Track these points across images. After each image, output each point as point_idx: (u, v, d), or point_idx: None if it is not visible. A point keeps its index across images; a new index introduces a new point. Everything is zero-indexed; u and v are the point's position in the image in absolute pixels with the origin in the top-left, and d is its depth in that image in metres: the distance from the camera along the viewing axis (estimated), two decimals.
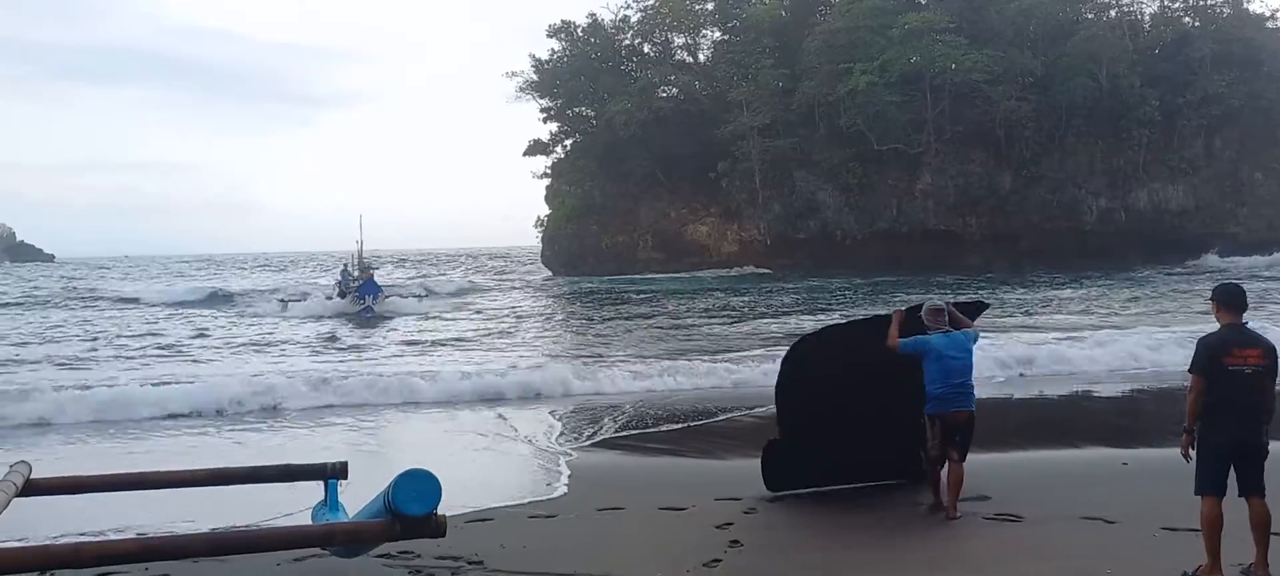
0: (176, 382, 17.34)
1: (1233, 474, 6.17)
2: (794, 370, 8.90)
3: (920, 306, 8.58)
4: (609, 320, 33.32)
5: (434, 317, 36.46)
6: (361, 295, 36.76)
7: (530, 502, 9.47)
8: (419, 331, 30.93)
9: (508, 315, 37.78)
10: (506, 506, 9.22)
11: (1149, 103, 63.78)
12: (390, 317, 35.63)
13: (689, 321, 31.71)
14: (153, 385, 16.87)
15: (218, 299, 47.31)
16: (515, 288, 58.12)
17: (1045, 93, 64.73)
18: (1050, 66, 65.28)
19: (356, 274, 41.26)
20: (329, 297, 41.18)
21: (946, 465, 8.16)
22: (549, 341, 28.47)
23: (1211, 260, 59.15)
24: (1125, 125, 64.79)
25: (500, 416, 14.83)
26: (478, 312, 38.96)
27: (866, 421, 8.62)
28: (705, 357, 20.44)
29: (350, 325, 33.22)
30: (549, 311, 40.53)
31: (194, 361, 23.70)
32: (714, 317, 32.56)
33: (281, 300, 43.24)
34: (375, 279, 39.28)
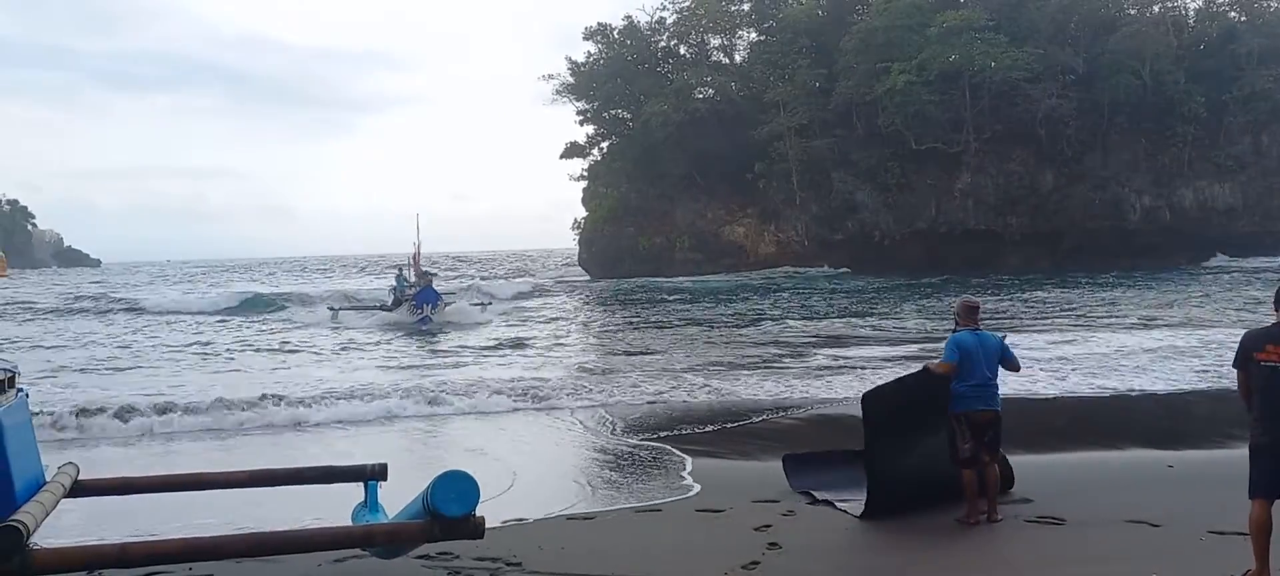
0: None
1: None
2: (871, 423, 8.55)
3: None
4: (681, 326, 31.21)
5: (506, 326, 33.38)
6: (419, 304, 32.97)
7: (568, 505, 9.49)
8: (494, 343, 27.68)
9: (578, 323, 35.54)
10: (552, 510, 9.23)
11: (1194, 99, 62.85)
12: (452, 329, 32.01)
13: (768, 328, 29.40)
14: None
15: (260, 305, 45.19)
16: (567, 292, 55.29)
17: (1087, 90, 63.97)
18: (1092, 63, 64.50)
19: (413, 279, 37.25)
20: (382, 306, 37.79)
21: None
22: (631, 352, 24.33)
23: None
24: (1170, 122, 63.88)
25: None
26: (548, 322, 35.79)
27: (939, 445, 8.41)
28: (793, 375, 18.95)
29: (409, 336, 30.07)
30: (622, 319, 35.74)
31: (246, 372, 21.99)
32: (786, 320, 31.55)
33: (331, 309, 39.30)
34: (434, 286, 35.10)
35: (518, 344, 27.32)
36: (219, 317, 40.12)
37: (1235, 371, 6.27)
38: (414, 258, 39.21)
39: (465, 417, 15.19)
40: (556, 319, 37.37)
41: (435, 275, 38.26)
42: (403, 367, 22.13)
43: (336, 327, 34.05)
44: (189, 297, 50.27)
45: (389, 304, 37.28)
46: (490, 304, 40.37)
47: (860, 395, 9.00)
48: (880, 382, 9.68)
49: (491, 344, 27.36)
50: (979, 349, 8.06)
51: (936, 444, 8.22)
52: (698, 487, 9.89)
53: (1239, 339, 6.29)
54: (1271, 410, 5.95)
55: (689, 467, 10.96)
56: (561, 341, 28.50)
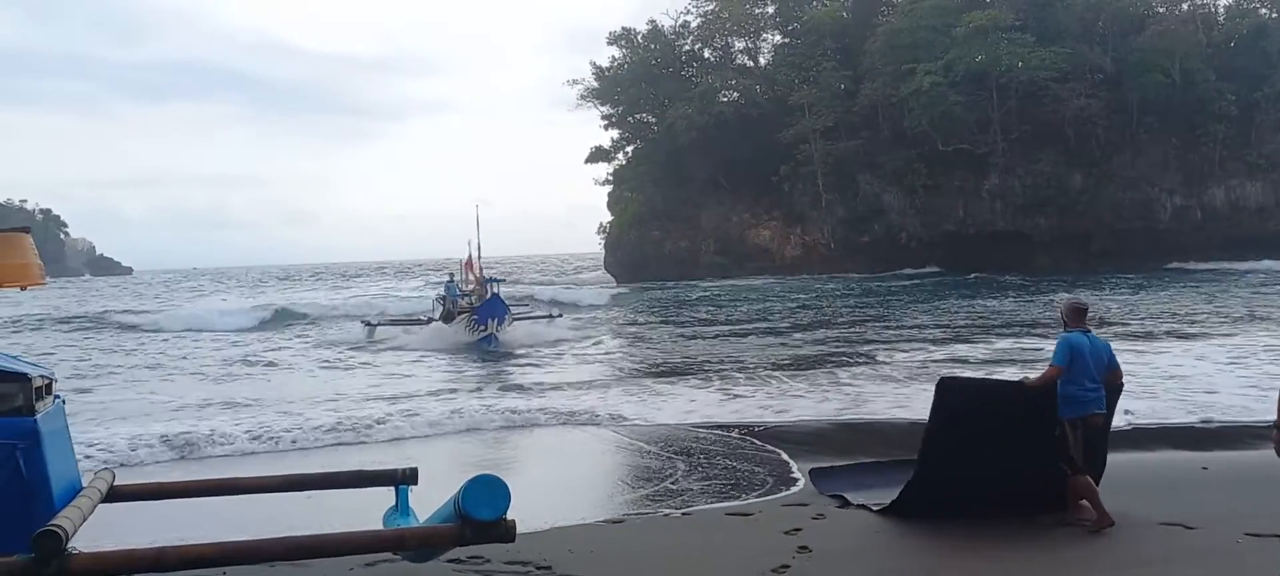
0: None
1: None
2: (943, 414, 8.14)
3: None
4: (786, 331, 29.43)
5: (586, 342, 28.81)
6: (482, 319, 27.23)
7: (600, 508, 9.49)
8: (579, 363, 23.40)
9: (676, 336, 30.22)
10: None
11: (1225, 97, 62.22)
12: (521, 348, 26.69)
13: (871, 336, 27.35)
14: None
15: (288, 319, 42.38)
16: (636, 299, 49.90)
17: (1116, 89, 63.47)
18: (1121, 62, 63.99)
19: (468, 288, 31.76)
20: (429, 319, 32.51)
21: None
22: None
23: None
24: (1200, 121, 63.28)
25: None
26: (632, 334, 31.17)
27: (1008, 462, 8.02)
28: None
29: (475, 359, 24.89)
30: (721, 329, 31.55)
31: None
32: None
33: (366, 323, 33.89)
34: (499, 294, 29.18)
35: (621, 371, 21.82)
36: (254, 335, 36.20)
37: None
38: (469, 261, 32.83)
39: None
40: (637, 328, 33.12)
41: (501, 281, 31.93)
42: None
43: (373, 346, 29.46)
44: (214, 313, 44.67)
45: (436, 316, 32.01)
46: (559, 316, 33.87)
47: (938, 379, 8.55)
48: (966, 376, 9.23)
49: (580, 376, 20.93)
50: (1091, 351, 7.78)
51: (1003, 459, 7.82)
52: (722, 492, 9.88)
53: None
54: None
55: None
56: (671, 361, 23.47)
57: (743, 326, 32.48)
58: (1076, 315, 7.95)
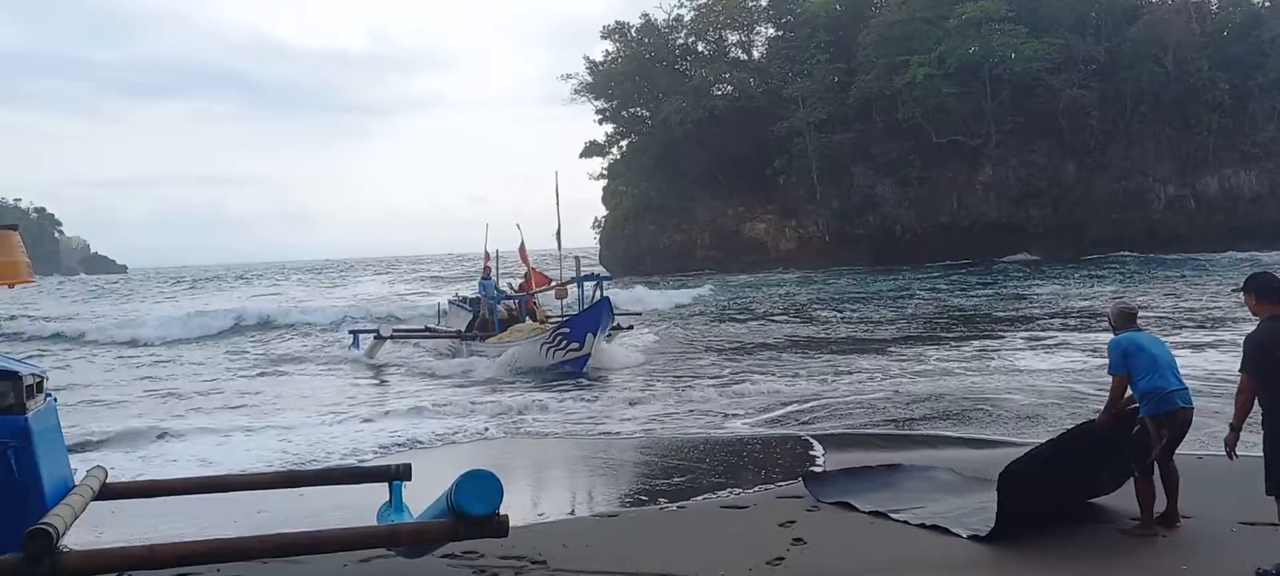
0: None
1: None
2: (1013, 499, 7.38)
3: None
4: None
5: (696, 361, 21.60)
6: (577, 334, 19.90)
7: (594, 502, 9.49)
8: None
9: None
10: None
11: (1218, 87, 62.33)
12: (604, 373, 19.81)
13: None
14: None
15: (259, 329, 35.30)
16: (713, 299, 42.18)
17: (1109, 80, 63.54)
18: (1114, 53, 64.08)
19: (513, 286, 25.05)
20: (463, 341, 23.58)
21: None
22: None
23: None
24: (1194, 110, 63.39)
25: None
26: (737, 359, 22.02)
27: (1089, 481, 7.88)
28: None
29: (568, 391, 17.47)
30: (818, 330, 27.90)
31: None
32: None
33: (356, 333, 25.83)
34: (606, 294, 21.80)
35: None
36: (195, 349, 30.31)
37: (1242, 374, 6.03)
38: (522, 250, 25.56)
39: None
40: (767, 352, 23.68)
41: (607, 278, 23.77)
42: None
43: (374, 370, 22.50)
44: (153, 321, 36.62)
45: (466, 329, 24.11)
46: (630, 327, 25.33)
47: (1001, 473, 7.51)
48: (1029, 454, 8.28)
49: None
50: (1155, 344, 7.35)
51: (1085, 482, 7.70)
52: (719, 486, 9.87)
53: (1243, 341, 6.10)
54: None
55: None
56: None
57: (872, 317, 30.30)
58: (1125, 319, 7.56)
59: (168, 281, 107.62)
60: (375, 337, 24.50)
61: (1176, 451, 7.31)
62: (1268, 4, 67.27)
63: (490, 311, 23.64)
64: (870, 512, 8.30)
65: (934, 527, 7.64)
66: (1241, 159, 64.12)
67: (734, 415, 14.24)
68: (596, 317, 20.36)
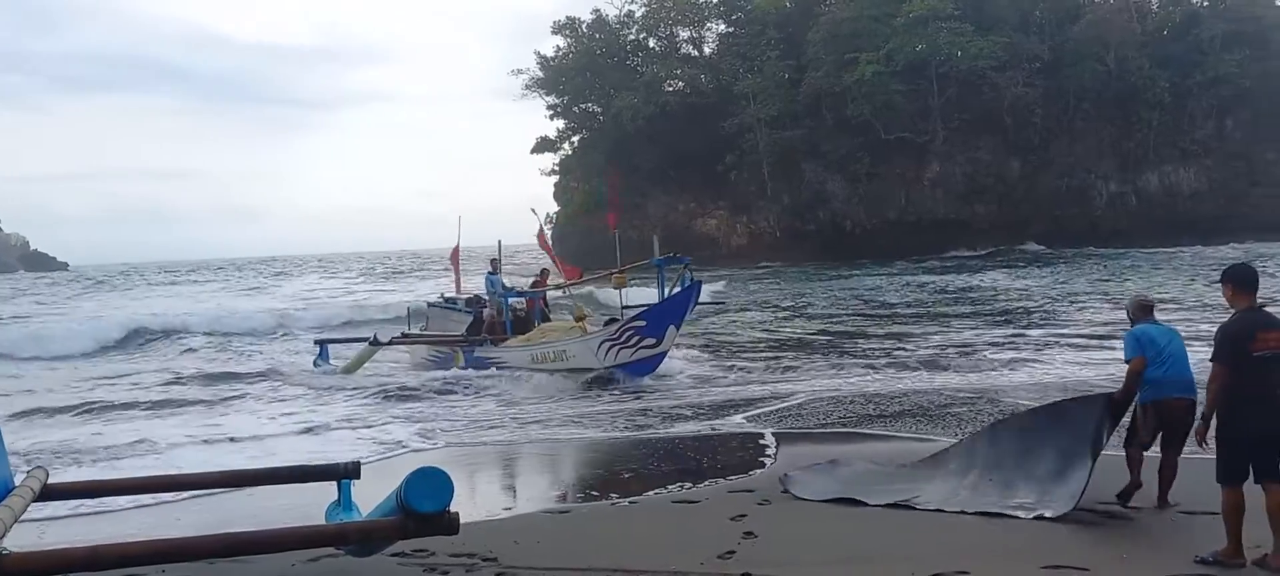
0: None
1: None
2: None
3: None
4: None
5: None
6: (654, 328, 16.89)
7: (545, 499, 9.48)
8: None
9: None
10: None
11: (1158, 85, 63.60)
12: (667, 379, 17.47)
13: None
14: None
15: (147, 337, 29.48)
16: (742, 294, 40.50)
17: (1052, 78, 64.62)
18: (1057, 51, 65.15)
19: (533, 283, 22.22)
20: (470, 345, 20.07)
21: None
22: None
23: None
24: (1134, 108, 64.64)
25: None
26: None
27: None
28: None
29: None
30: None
31: None
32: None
33: (323, 343, 22.68)
34: (699, 281, 18.31)
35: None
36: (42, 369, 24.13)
37: (1213, 364, 6.08)
38: (541, 235, 24.03)
39: None
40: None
41: (685, 261, 18.22)
42: None
43: (320, 393, 17.70)
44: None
45: (469, 332, 20.80)
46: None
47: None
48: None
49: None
50: (1163, 336, 7.61)
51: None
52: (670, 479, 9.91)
53: (1216, 332, 6.16)
54: (1266, 399, 5.91)
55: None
56: None
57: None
58: (1143, 310, 7.92)
59: (84, 284, 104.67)
60: (369, 343, 20.46)
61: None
62: (1206, 4, 68.76)
63: (499, 310, 20.51)
64: (891, 504, 8.20)
65: (996, 515, 7.67)
66: (1181, 156, 65.53)
67: (686, 413, 14.29)
68: (681, 307, 17.06)
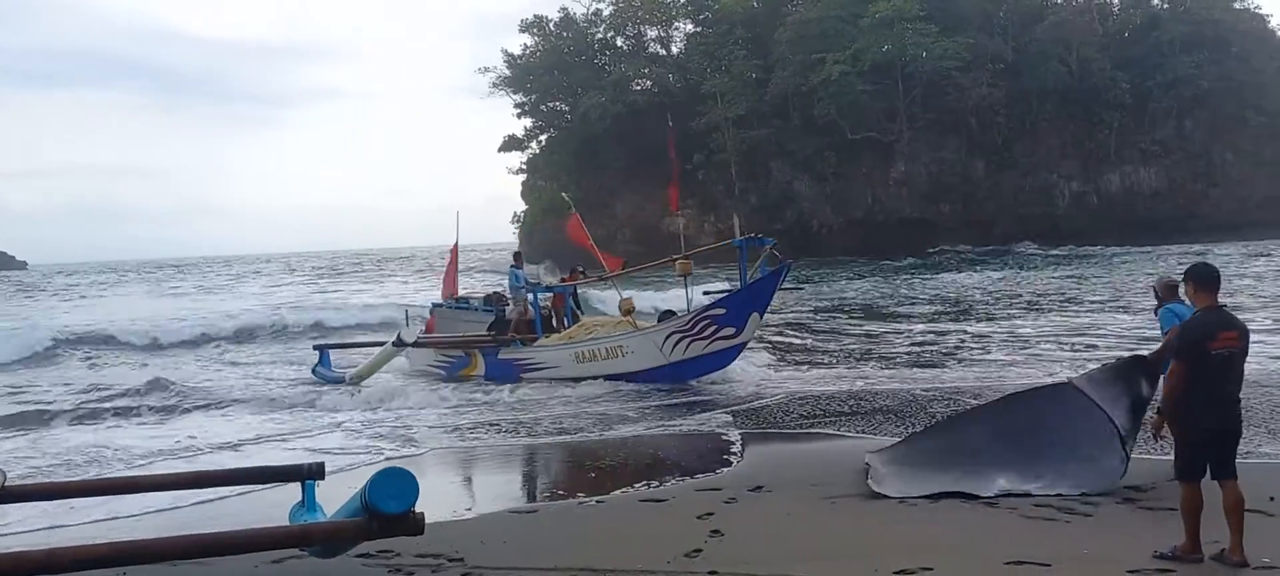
0: None
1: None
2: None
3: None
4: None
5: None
6: (735, 315, 15.61)
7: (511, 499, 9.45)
8: None
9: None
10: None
11: (1119, 86, 64.41)
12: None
13: None
14: None
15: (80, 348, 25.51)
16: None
17: (1016, 79, 65.27)
18: (1021, 52, 65.83)
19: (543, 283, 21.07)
20: (498, 346, 18.19)
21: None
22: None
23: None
24: (1096, 109, 65.44)
25: None
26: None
27: None
28: None
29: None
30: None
31: None
32: None
33: (323, 348, 20.35)
34: (787, 262, 16.42)
35: None
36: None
37: (1174, 361, 6.17)
38: (576, 225, 20.15)
39: None
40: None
41: (769, 241, 16.52)
42: None
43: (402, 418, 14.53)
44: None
45: (493, 332, 18.88)
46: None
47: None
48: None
49: None
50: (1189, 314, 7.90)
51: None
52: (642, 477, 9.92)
53: (1178, 329, 6.26)
54: (1223, 397, 6.02)
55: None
56: None
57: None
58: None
59: (74, 277, 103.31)
60: (392, 344, 18.24)
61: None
62: (1166, 7, 69.71)
63: (520, 309, 18.90)
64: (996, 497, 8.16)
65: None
66: (1141, 156, 66.41)
67: (654, 413, 14.28)
68: (767, 293, 15.70)
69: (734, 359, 15.96)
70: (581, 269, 20.07)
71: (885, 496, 8.34)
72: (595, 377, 16.28)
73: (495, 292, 21.47)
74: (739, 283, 15.99)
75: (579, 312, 19.47)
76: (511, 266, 20.13)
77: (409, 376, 18.91)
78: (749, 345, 16.34)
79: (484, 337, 18.78)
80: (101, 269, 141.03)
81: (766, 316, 17.35)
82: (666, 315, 17.39)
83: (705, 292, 16.76)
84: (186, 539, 5.60)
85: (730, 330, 15.46)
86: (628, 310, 17.05)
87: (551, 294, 19.54)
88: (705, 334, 15.59)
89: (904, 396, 14.14)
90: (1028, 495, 8.04)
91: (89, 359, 24.28)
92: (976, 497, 8.09)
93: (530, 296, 18.87)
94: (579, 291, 19.96)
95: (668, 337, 15.91)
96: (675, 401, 14.85)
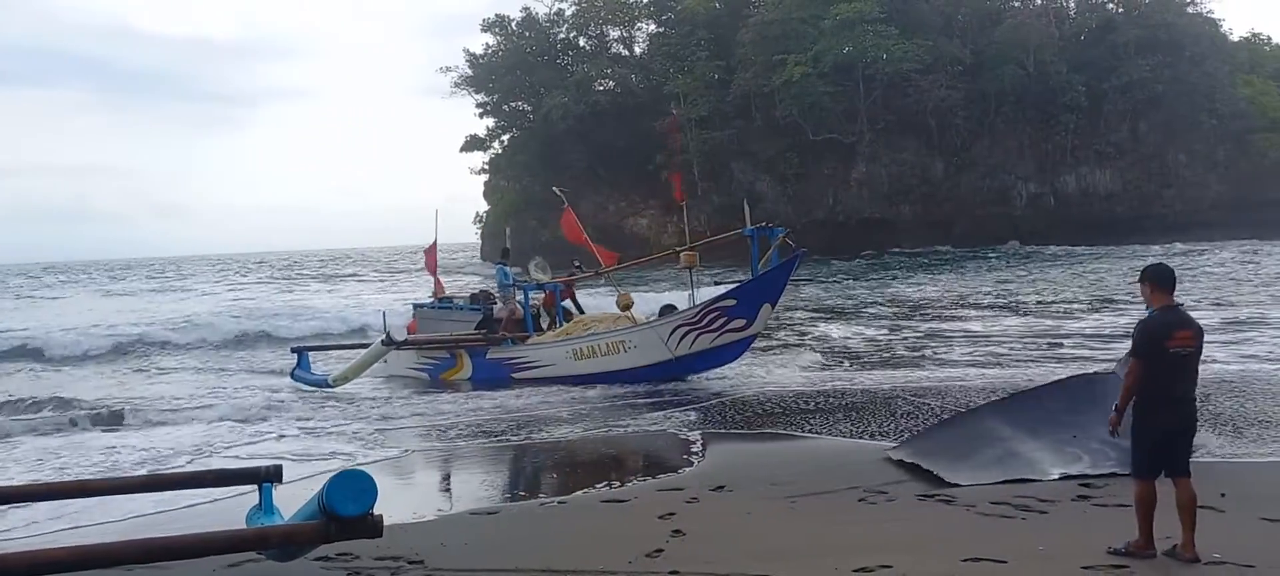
0: None
1: None
2: None
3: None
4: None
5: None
6: (746, 306, 15.35)
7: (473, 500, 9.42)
8: None
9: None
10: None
11: (1076, 88, 65.30)
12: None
13: None
14: None
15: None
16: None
17: (974, 81, 65.97)
18: (979, 55, 66.56)
19: (538, 280, 19.02)
20: (489, 344, 17.74)
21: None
22: None
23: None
24: (1053, 111, 66.31)
25: None
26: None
27: None
28: None
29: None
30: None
31: None
32: None
33: (302, 350, 19.00)
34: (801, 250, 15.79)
35: None
36: None
37: (1132, 359, 6.24)
38: (569, 219, 19.14)
39: None
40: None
41: (783, 230, 15.91)
42: None
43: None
44: None
45: (482, 331, 18.37)
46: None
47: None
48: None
49: None
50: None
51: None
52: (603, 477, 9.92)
53: (1135, 328, 6.31)
54: (1179, 396, 6.11)
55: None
56: None
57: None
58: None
59: (32, 278, 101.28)
60: (381, 343, 17.19)
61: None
62: (1121, 10, 70.76)
63: (512, 306, 18.25)
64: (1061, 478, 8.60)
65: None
66: (1097, 158, 67.37)
67: (616, 412, 14.28)
68: (778, 284, 15.14)
69: (743, 352, 15.61)
70: (578, 263, 19.49)
71: (956, 484, 8.57)
72: (594, 376, 15.66)
73: (482, 291, 20.94)
74: (737, 279, 16.00)
75: (574, 311, 18.94)
76: (499, 264, 19.77)
77: (387, 381, 18.11)
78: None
79: (474, 337, 18.08)
80: (63, 269, 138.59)
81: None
82: (667, 309, 17.04)
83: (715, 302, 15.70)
84: (145, 542, 5.53)
85: (741, 321, 15.06)
86: (626, 305, 16.63)
87: (543, 291, 18.79)
88: (714, 326, 15.18)
89: (863, 395, 14.24)
90: (1084, 478, 8.49)
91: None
92: (1035, 481, 8.52)
93: (519, 294, 18.38)
94: (576, 290, 19.48)
95: (674, 331, 15.43)
96: (637, 401, 14.84)
